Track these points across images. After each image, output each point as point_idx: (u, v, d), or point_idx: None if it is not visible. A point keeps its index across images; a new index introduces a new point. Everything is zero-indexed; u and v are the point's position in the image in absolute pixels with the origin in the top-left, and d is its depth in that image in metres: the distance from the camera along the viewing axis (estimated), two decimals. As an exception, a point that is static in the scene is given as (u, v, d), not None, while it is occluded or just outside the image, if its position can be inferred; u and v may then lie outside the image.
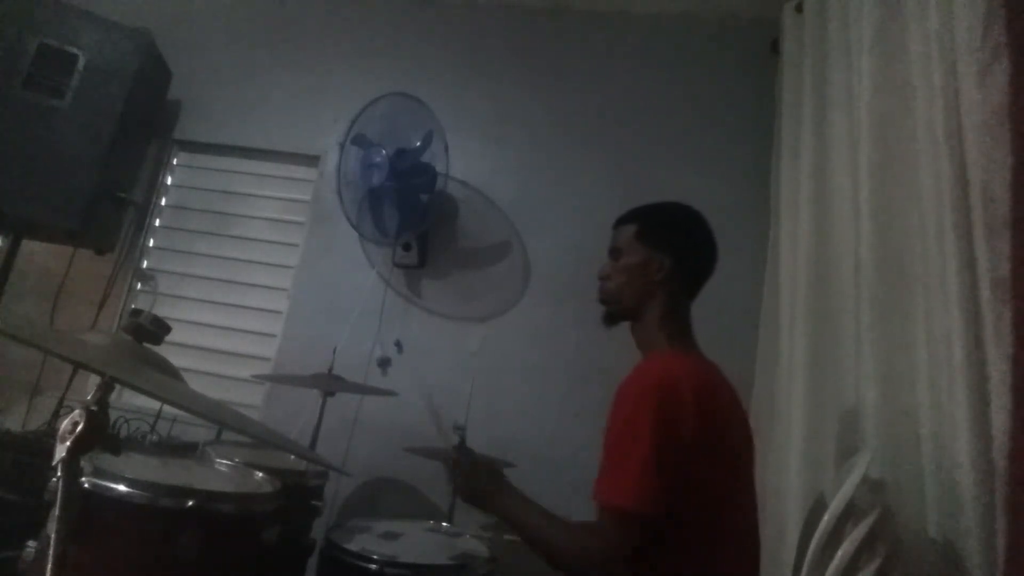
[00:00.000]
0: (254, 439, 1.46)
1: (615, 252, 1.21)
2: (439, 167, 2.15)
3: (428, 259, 2.25)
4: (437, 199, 2.22)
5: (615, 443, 0.99)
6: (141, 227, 2.38)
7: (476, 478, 1.16)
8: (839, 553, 1.08)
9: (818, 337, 1.53)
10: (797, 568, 1.20)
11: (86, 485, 1.02)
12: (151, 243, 2.41)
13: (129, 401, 2.06)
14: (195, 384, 0.93)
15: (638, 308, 1.16)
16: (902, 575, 1.10)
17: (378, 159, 2.08)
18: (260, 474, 1.35)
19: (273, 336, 2.26)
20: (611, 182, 2.20)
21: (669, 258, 1.14)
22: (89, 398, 0.72)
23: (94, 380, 0.74)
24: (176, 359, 0.92)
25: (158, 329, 0.90)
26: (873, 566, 1.07)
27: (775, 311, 1.77)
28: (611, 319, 1.22)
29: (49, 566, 0.65)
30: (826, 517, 1.13)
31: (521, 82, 2.36)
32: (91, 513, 1.00)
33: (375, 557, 1.26)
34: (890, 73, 1.40)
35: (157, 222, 2.42)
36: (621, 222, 1.23)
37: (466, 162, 2.26)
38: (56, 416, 1.98)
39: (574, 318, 2.09)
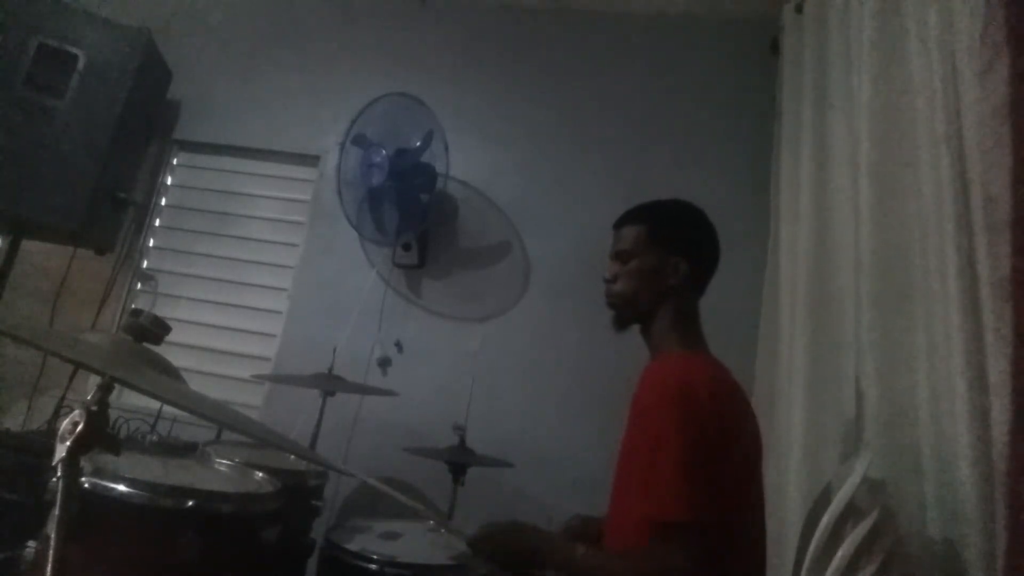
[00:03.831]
0: (254, 439, 1.46)
1: (623, 254, 1.16)
2: (439, 167, 2.15)
3: (428, 259, 2.25)
4: (437, 199, 2.22)
5: (648, 456, 0.96)
6: (141, 227, 2.38)
7: (507, 546, 1.08)
8: (839, 553, 1.09)
9: (818, 337, 1.53)
10: (797, 568, 1.20)
11: (86, 485, 1.01)
12: (151, 243, 2.40)
13: (129, 401, 2.06)
14: (195, 384, 0.93)
15: (652, 311, 1.14)
16: (902, 575, 1.10)
17: (378, 159, 2.08)
18: (260, 474, 1.35)
19: (273, 336, 2.26)
20: (611, 182, 2.19)
21: (684, 260, 1.12)
22: (89, 398, 0.71)
23: (94, 380, 0.74)
24: (176, 359, 0.92)
25: (158, 329, 0.90)
26: (873, 566, 1.07)
27: (775, 311, 1.77)
28: (622, 323, 1.18)
29: (49, 566, 0.65)
30: (826, 517, 1.13)
31: (521, 82, 2.36)
32: (91, 513, 1.00)
33: (375, 557, 1.26)
34: (890, 73, 1.40)
35: (157, 222, 2.42)
36: (626, 222, 1.18)
37: (466, 162, 2.26)
38: (56, 416, 1.97)
39: (574, 318, 2.09)
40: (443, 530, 1.34)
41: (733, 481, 0.99)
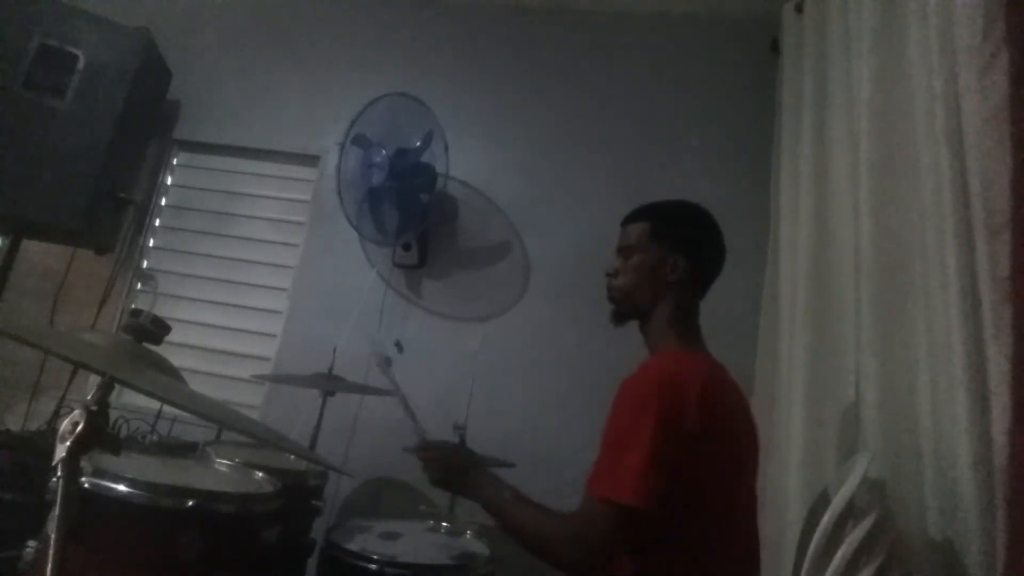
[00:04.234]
0: (254, 439, 1.46)
1: (626, 250, 1.18)
2: (439, 167, 2.15)
3: (428, 259, 2.25)
4: (437, 199, 2.22)
5: (616, 437, 0.98)
6: (141, 227, 2.38)
7: (446, 460, 1.17)
8: (839, 553, 1.08)
9: (818, 337, 1.53)
10: (797, 568, 1.20)
11: (86, 485, 1.01)
12: (151, 243, 2.41)
13: (129, 401, 2.06)
14: (195, 384, 0.93)
15: (649, 307, 1.15)
16: (902, 575, 1.10)
17: (378, 159, 2.08)
18: (260, 474, 1.35)
19: (273, 336, 2.26)
20: (611, 182, 2.19)
21: (683, 258, 1.13)
22: (89, 398, 0.72)
23: (94, 380, 0.74)
24: (176, 359, 0.92)
25: (158, 329, 0.90)
26: (873, 566, 1.07)
27: (775, 311, 1.77)
28: (620, 317, 1.20)
29: (49, 566, 0.65)
30: (826, 517, 1.13)
31: (521, 82, 2.36)
32: (91, 513, 1.00)
33: (375, 557, 1.26)
34: (890, 73, 1.40)
35: (157, 222, 2.42)
36: (632, 219, 1.20)
37: (466, 162, 2.26)
38: (56, 416, 1.97)
39: (574, 318, 2.09)
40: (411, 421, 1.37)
41: (713, 480, 0.99)
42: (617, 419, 1.00)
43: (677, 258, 1.13)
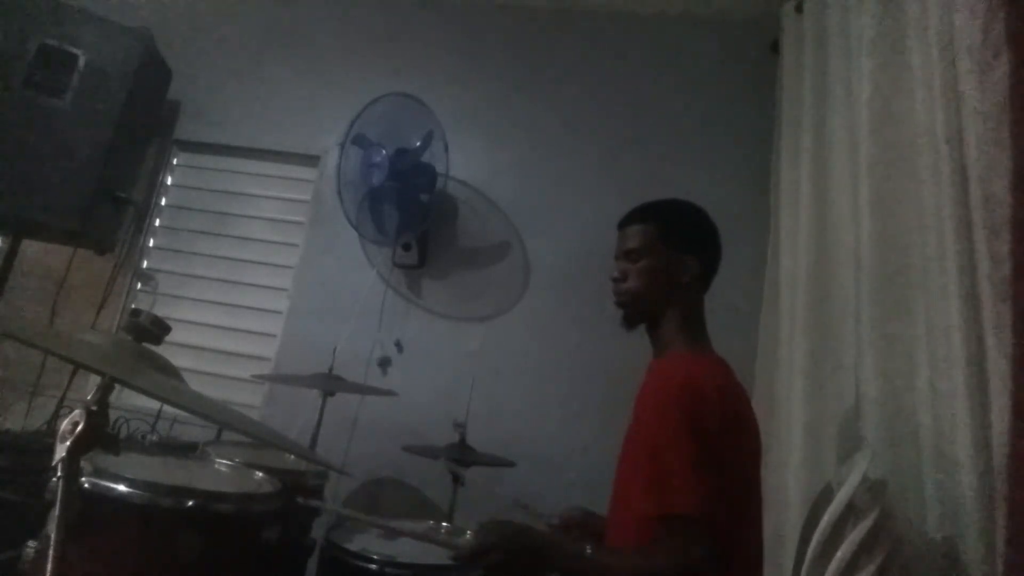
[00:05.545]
0: (254, 439, 1.46)
1: (632, 253, 1.15)
2: (439, 167, 2.15)
3: (428, 259, 2.25)
4: (437, 199, 2.22)
5: (654, 453, 0.96)
6: (141, 227, 2.38)
7: (510, 555, 0.98)
8: (839, 553, 1.08)
9: (818, 337, 1.53)
10: (797, 568, 1.20)
11: (86, 485, 1.02)
12: (151, 243, 2.41)
13: (129, 401, 2.05)
14: (195, 384, 0.93)
15: (660, 310, 1.14)
16: (902, 575, 1.10)
17: (378, 159, 2.08)
18: (260, 474, 1.35)
19: (273, 336, 2.26)
20: (611, 182, 2.19)
21: (694, 259, 1.13)
22: (89, 398, 0.72)
23: (94, 380, 0.74)
24: (176, 359, 0.92)
25: (158, 329, 0.90)
26: (873, 566, 1.07)
27: (775, 311, 1.77)
28: (632, 322, 1.17)
29: (49, 566, 0.65)
30: (826, 517, 1.13)
31: (521, 82, 2.36)
32: (91, 513, 1.00)
33: (375, 557, 1.26)
34: (890, 73, 1.40)
35: (157, 222, 2.42)
36: (632, 221, 1.18)
37: (466, 162, 2.26)
38: (56, 416, 1.98)
39: (574, 318, 2.09)
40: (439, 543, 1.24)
41: (737, 481, 0.99)
42: (649, 434, 0.99)
43: (688, 259, 1.13)
